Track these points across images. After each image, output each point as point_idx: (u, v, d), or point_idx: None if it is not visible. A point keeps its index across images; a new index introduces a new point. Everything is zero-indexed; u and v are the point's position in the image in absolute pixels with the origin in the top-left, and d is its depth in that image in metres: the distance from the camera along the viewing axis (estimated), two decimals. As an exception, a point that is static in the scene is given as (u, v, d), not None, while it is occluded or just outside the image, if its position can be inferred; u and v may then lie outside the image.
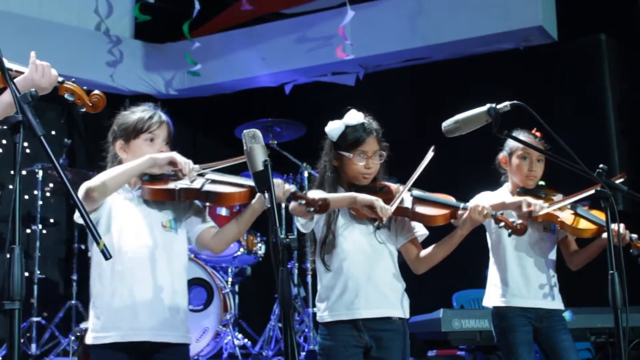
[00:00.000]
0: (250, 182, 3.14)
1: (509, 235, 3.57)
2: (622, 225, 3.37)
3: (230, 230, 3.34)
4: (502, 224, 3.49)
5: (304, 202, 3.15)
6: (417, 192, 3.54)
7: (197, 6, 7.27)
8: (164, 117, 3.36)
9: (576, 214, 4.03)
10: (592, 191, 3.63)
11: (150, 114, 3.31)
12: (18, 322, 1.96)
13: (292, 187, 3.16)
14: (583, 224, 4.00)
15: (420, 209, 3.47)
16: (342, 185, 3.61)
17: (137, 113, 3.33)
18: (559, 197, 4.11)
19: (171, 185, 3.21)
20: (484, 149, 4.22)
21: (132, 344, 3.12)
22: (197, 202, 3.39)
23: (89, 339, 3.20)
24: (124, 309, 3.13)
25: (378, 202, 3.36)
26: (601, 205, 3.02)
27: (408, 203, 3.48)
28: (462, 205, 3.47)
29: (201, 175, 3.26)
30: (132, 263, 3.14)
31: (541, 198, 4.10)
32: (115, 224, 3.20)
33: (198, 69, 7.76)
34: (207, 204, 3.44)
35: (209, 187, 3.21)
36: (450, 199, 3.54)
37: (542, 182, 4.19)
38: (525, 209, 3.89)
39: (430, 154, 3.53)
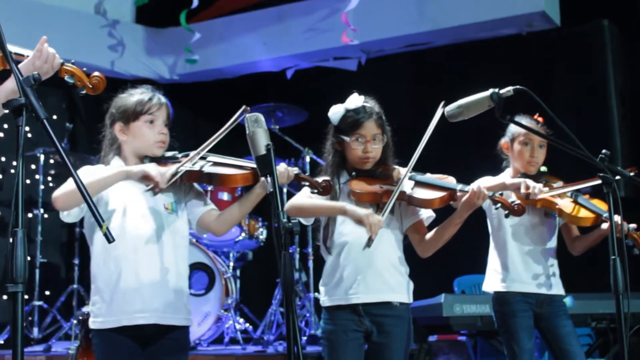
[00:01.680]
0: (253, 164, 3.15)
1: (506, 216, 3.52)
2: (617, 217, 3.37)
3: (232, 212, 3.34)
4: (499, 204, 3.46)
5: (307, 183, 3.15)
6: (415, 176, 3.52)
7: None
8: (163, 99, 3.36)
9: (576, 202, 4.03)
10: (596, 182, 3.63)
11: (149, 96, 3.32)
12: (21, 305, 1.96)
13: (295, 169, 3.17)
14: (582, 213, 4.00)
15: (418, 193, 3.45)
16: (346, 170, 3.61)
17: (136, 95, 3.32)
18: (559, 184, 4.11)
19: (173, 167, 3.22)
20: (485, 134, 4.21)
21: (137, 327, 3.13)
22: (196, 185, 3.40)
23: (92, 324, 3.20)
24: (130, 291, 3.14)
25: (368, 219, 3.33)
26: (603, 190, 3.02)
27: (406, 187, 3.47)
28: (459, 187, 3.44)
29: (203, 158, 3.26)
30: (135, 246, 3.15)
31: (542, 184, 4.10)
32: (117, 207, 3.21)
33: (195, 58, 7.77)
34: (209, 187, 3.44)
35: (210, 169, 3.21)
36: (450, 181, 3.52)
37: (544, 168, 4.18)
38: (523, 190, 3.88)
39: (440, 111, 3.43)
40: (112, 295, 3.16)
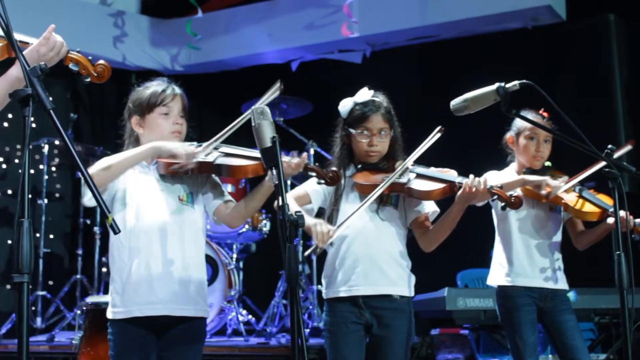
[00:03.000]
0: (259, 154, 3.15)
1: (502, 208, 3.48)
2: (623, 212, 3.36)
3: (247, 205, 3.33)
4: (496, 197, 3.44)
5: (314, 174, 3.15)
6: (416, 169, 3.51)
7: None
8: (177, 89, 3.37)
9: (581, 197, 4.03)
10: (599, 166, 3.63)
11: (163, 87, 3.33)
12: (27, 295, 1.96)
13: (304, 158, 3.16)
14: (587, 207, 4.00)
15: (417, 185, 3.44)
16: (353, 163, 3.61)
17: (151, 88, 3.34)
18: (564, 178, 4.11)
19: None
20: (491, 128, 4.21)
21: (150, 318, 3.14)
22: (214, 176, 3.40)
23: (108, 314, 3.24)
24: (141, 283, 3.15)
25: (315, 227, 3.29)
26: (609, 185, 3.01)
27: (405, 179, 3.47)
28: (458, 179, 3.43)
29: (215, 148, 3.26)
30: (149, 237, 3.16)
31: None
32: (132, 199, 3.22)
33: (198, 39, 7.75)
34: (220, 176, 3.44)
35: (221, 160, 3.22)
36: (451, 174, 3.50)
37: (548, 163, 4.18)
38: (544, 191, 3.89)
39: (436, 135, 3.50)
40: (124, 286, 3.17)
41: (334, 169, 3.24)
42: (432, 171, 3.51)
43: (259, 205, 3.33)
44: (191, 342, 3.24)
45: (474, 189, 3.35)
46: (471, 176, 3.39)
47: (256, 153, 3.20)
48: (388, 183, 3.41)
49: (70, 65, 2.81)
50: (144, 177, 3.26)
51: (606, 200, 4.02)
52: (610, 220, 3.96)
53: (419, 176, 3.49)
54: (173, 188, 3.28)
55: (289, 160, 3.14)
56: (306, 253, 3.40)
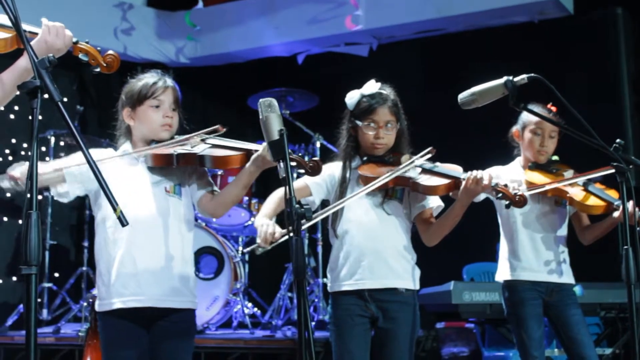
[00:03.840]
0: (248, 146, 3.17)
1: (507, 207, 3.48)
2: (630, 203, 3.35)
3: (227, 194, 3.33)
4: (501, 194, 3.43)
5: (294, 163, 3.14)
6: (423, 164, 3.51)
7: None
8: (169, 82, 3.34)
9: (587, 191, 4.02)
10: (607, 171, 3.61)
11: (155, 80, 3.31)
12: (35, 287, 1.96)
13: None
14: (592, 201, 3.99)
15: (423, 180, 3.44)
16: (359, 155, 3.61)
17: (143, 80, 3.33)
18: (569, 172, 4.10)
19: (170, 150, 3.22)
20: (497, 122, 4.20)
21: (137, 310, 3.14)
22: (201, 167, 3.38)
23: (96, 306, 3.25)
24: (126, 274, 3.14)
25: (262, 227, 3.27)
26: (617, 179, 3.00)
27: (412, 174, 3.46)
28: (463, 175, 3.43)
29: (203, 140, 3.26)
30: (134, 229, 3.11)
31: (552, 173, 4.10)
32: (118, 190, 3.19)
33: (197, 30, 7.75)
34: (220, 171, 3.44)
35: (206, 152, 3.21)
36: (457, 170, 3.50)
37: (555, 157, 4.17)
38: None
39: (427, 155, 3.48)
40: (109, 278, 3.17)
41: (315, 158, 3.23)
42: (438, 167, 3.51)
43: (240, 192, 3.31)
44: (181, 335, 3.23)
45: (478, 183, 3.34)
46: (475, 170, 3.39)
47: (243, 144, 3.20)
48: (392, 176, 3.40)
49: (80, 56, 2.82)
50: (131, 168, 3.26)
51: (613, 195, 4.01)
52: (616, 214, 3.95)
53: (425, 171, 3.49)
54: (160, 180, 3.27)
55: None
56: (246, 249, 3.39)
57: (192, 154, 3.21)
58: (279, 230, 3.27)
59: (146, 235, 3.17)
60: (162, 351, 3.19)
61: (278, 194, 3.51)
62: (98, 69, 2.86)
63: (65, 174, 3.18)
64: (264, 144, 3.00)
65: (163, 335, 3.19)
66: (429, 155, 3.49)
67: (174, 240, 3.22)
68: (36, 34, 2.64)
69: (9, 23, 2.42)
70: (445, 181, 3.43)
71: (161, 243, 3.19)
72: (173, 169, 3.28)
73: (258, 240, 3.26)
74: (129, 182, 3.22)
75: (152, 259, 3.17)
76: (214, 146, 3.24)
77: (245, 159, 3.18)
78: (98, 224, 3.27)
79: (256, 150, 3.14)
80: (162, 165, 3.26)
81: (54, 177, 3.15)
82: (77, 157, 3.17)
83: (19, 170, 3.07)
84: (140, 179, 3.25)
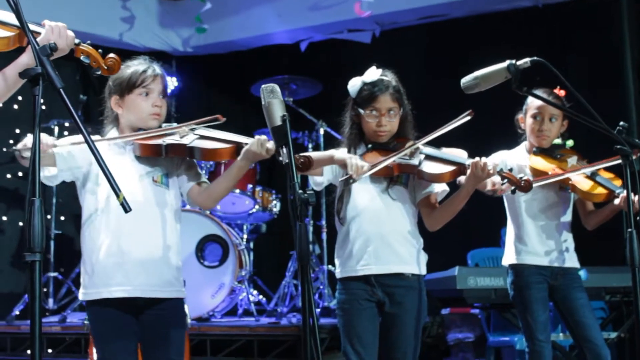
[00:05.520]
0: (238, 139, 3.16)
1: (512, 192, 3.51)
2: (636, 198, 3.34)
3: (217, 186, 3.33)
4: (506, 180, 3.43)
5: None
6: (428, 150, 3.49)
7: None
8: (158, 70, 3.31)
9: (589, 178, 4.01)
10: (613, 162, 3.59)
11: (144, 68, 3.28)
12: (39, 274, 1.96)
13: (272, 146, 3.11)
14: (593, 189, 3.98)
15: (427, 167, 3.43)
16: (364, 142, 3.60)
17: (132, 67, 3.29)
18: (573, 158, 4.09)
19: (159, 140, 3.20)
20: (503, 107, 4.20)
21: (124, 300, 3.12)
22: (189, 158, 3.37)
23: (80, 295, 3.22)
24: (109, 264, 3.12)
25: (350, 160, 3.30)
26: (621, 163, 2.99)
27: (416, 161, 3.45)
28: (468, 162, 3.41)
29: (193, 130, 3.25)
30: (120, 218, 3.09)
31: (556, 159, 4.09)
32: (104, 179, 3.18)
33: (205, 27, 7.75)
34: (194, 159, 3.41)
35: (195, 143, 3.20)
36: (461, 155, 3.49)
37: (570, 142, 4.17)
38: (489, 187, 3.84)
39: (465, 118, 3.42)
40: (93, 267, 3.15)
41: (305, 154, 3.23)
42: (443, 153, 3.50)
43: (230, 185, 3.33)
44: (171, 324, 3.21)
45: (483, 170, 3.33)
46: (478, 158, 3.37)
47: (234, 137, 3.19)
48: (396, 158, 3.39)
49: (82, 58, 2.82)
50: (119, 157, 3.23)
51: (615, 182, 4.00)
52: (617, 201, 3.94)
53: (429, 158, 3.47)
54: (148, 169, 3.25)
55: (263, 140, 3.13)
56: (341, 179, 3.39)
57: (182, 145, 3.19)
58: (365, 164, 3.31)
59: (133, 224, 3.12)
60: (152, 341, 3.18)
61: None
62: (99, 72, 2.86)
63: (56, 156, 3.14)
64: (255, 138, 3.01)
65: (153, 324, 3.17)
66: (467, 118, 3.42)
67: (162, 230, 3.21)
68: (39, 33, 2.64)
69: (11, 21, 2.43)
70: (451, 168, 3.42)
71: (149, 233, 3.17)
72: (161, 159, 3.26)
73: (350, 172, 3.28)
74: (117, 171, 3.13)
75: (139, 248, 3.14)
76: (203, 137, 3.22)
77: (235, 152, 3.17)
78: (83, 212, 3.24)
79: (246, 144, 3.13)
80: (150, 155, 3.24)
81: (44, 158, 3.09)
82: (71, 138, 3.16)
83: (21, 143, 3.05)
84: (128, 169, 3.22)
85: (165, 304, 3.19)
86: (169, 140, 3.20)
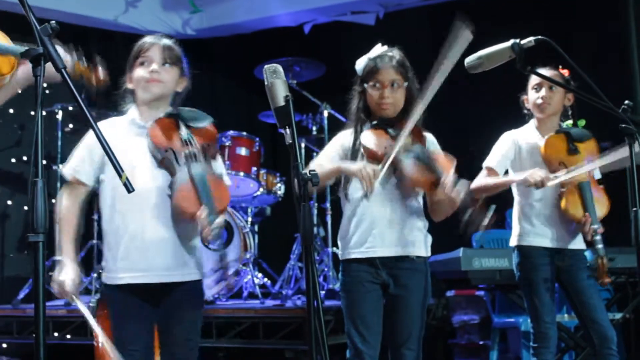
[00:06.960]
0: None
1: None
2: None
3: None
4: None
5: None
6: (416, 149, 3.43)
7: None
8: (158, 40, 3.29)
9: (579, 189, 4.01)
10: (621, 154, 3.56)
11: (145, 40, 3.29)
12: (42, 255, 1.95)
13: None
14: (572, 202, 3.98)
15: (408, 168, 3.37)
16: (370, 119, 3.57)
17: (139, 42, 3.32)
18: (584, 163, 4.03)
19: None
20: (506, 89, 4.19)
21: (144, 285, 3.13)
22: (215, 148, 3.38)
23: (103, 278, 3.25)
24: (132, 249, 3.13)
25: (361, 172, 3.26)
26: (625, 141, 2.98)
27: (404, 157, 3.38)
28: (445, 177, 3.29)
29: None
30: (141, 203, 3.11)
31: (570, 154, 4.05)
32: (125, 163, 3.16)
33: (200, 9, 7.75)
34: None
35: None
36: (446, 167, 3.36)
37: (582, 121, 4.15)
38: (532, 180, 3.85)
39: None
40: (117, 252, 3.16)
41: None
42: (432, 157, 3.43)
43: None
44: (188, 306, 3.22)
45: (446, 192, 3.27)
46: (449, 178, 3.28)
47: None
48: (390, 160, 3.34)
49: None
50: (138, 138, 3.22)
51: (604, 199, 4.06)
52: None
53: (417, 158, 3.40)
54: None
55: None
56: (360, 194, 3.37)
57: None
58: (376, 168, 3.27)
59: (154, 209, 3.13)
60: (172, 324, 3.19)
61: (323, 159, 3.55)
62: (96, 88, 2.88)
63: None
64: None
65: (171, 307, 3.18)
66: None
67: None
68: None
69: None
70: (428, 177, 3.36)
71: (169, 217, 3.16)
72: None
73: (365, 186, 3.26)
74: (136, 153, 3.19)
75: (160, 234, 3.14)
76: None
77: None
78: (103, 197, 3.28)
79: None
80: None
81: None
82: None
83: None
84: (148, 153, 3.21)
85: (185, 286, 3.20)
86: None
